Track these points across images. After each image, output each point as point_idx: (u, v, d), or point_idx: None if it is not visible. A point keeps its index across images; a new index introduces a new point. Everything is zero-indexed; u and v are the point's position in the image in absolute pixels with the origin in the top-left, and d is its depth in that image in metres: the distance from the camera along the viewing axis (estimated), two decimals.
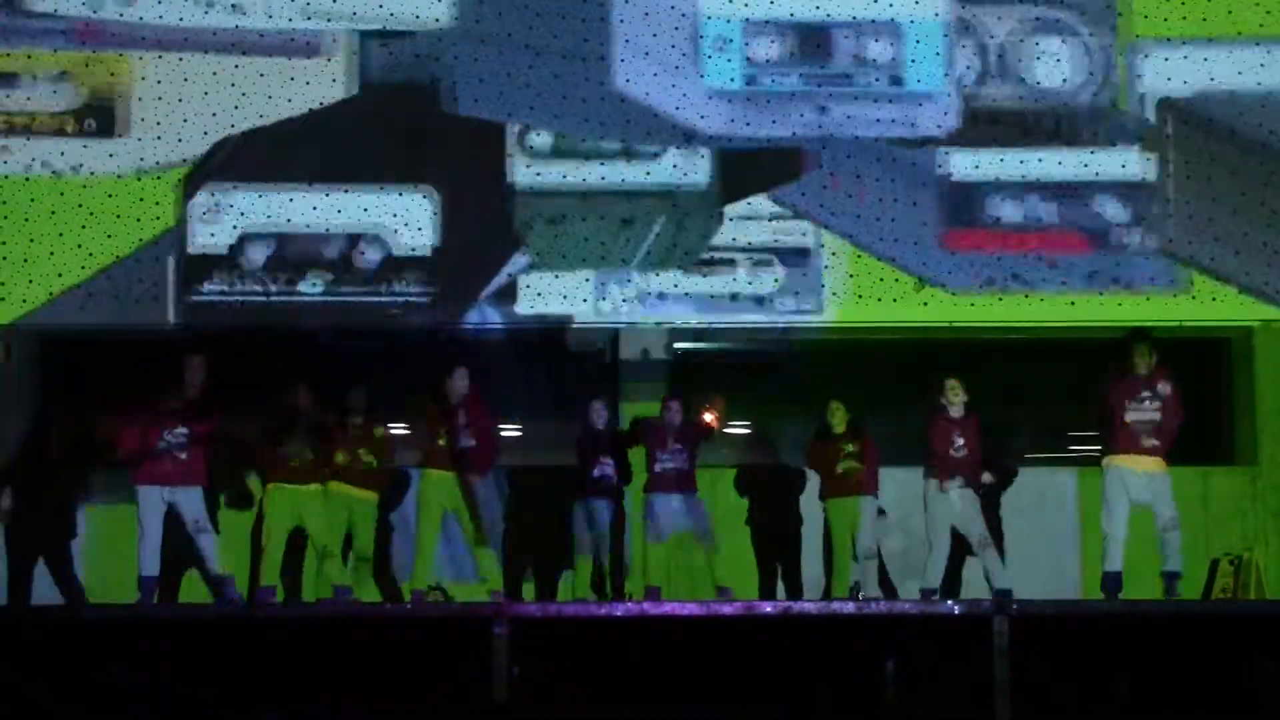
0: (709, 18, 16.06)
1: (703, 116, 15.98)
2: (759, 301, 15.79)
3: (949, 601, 12.84)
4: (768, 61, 16.06)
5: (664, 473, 14.35)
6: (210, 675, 11.67)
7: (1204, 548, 14.79)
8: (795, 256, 15.78)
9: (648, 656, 11.83)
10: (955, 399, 14.19)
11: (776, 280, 15.73)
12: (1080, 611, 12.75)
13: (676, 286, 15.67)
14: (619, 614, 12.03)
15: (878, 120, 16.00)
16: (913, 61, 16.04)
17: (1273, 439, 16.05)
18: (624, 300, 15.73)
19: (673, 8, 15.99)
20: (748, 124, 15.97)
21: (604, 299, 15.72)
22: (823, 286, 15.70)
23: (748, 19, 16.03)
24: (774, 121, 15.99)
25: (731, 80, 16.02)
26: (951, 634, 12.02)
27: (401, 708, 11.68)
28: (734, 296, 15.71)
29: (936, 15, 16.08)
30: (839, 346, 16.33)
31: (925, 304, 16.11)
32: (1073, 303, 15.95)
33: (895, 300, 15.81)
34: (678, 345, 16.27)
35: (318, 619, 12.26)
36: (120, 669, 11.66)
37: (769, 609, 12.13)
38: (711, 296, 15.71)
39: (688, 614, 11.98)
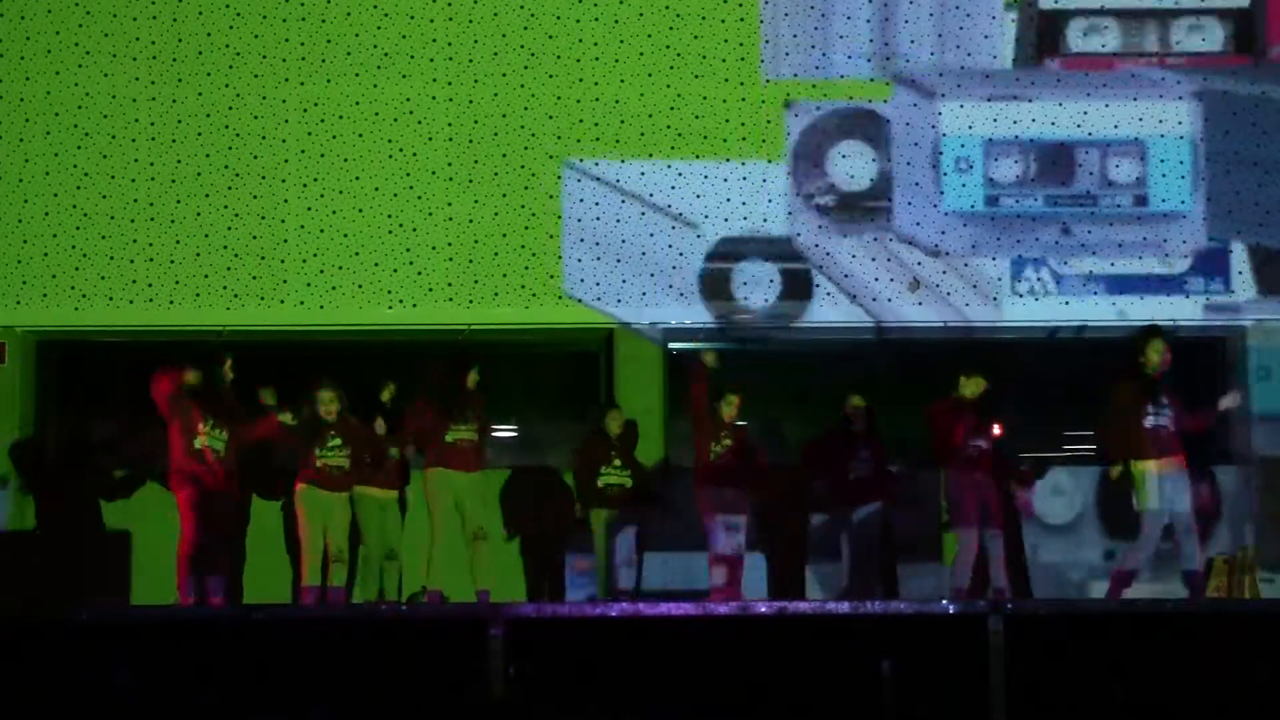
0: (949, 138, 15.91)
1: (942, 237, 15.91)
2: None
3: (944, 601, 12.85)
4: (1009, 182, 15.86)
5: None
6: (206, 677, 11.69)
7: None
8: None
9: (644, 656, 11.84)
10: (965, 392, 14.17)
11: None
12: (1075, 611, 12.75)
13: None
14: (614, 614, 12.04)
15: (1122, 243, 15.87)
16: (1157, 180, 15.87)
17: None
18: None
19: (911, 127, 15.92)
20: (989, 245, 15.83)
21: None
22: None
23: (989, 139, 15.88)
24: (1016, 242, 15.89)
25: (972, 201, 15.88)
26: (948, 633, 12.02)
27: (398, 708, 11.70)
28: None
29: (1181, 132, 15.91)
30: (837, 346, 16.36)
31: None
32: (1067, 303, 15.97)
33: None
34: (673, 345, 16.26)
35: (314, 620, 12.28)
36: (119, 671, 11.68)
37: (764, 609, 12.13)
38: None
39: (683, 614, 11.98)
